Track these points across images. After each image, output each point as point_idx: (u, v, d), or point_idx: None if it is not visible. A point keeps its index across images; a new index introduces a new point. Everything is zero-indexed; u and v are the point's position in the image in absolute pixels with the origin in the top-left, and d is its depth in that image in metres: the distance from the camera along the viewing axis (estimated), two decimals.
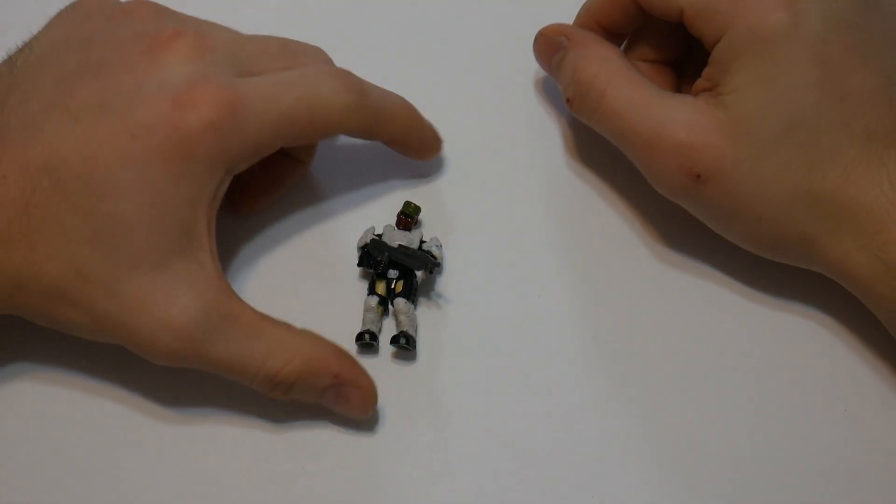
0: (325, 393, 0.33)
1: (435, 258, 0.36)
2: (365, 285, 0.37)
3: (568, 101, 0.36)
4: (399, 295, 0.36)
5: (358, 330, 0.35)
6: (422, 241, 0.37)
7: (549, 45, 0.38)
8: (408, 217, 0.37)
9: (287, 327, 0.33)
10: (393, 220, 0.38)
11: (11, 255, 0.30)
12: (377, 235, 0.37)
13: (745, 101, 0.33)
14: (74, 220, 0.30)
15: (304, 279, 0.37)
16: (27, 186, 0.30)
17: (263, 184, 0.37)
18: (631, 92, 0.34)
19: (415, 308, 0.36)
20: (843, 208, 0.32)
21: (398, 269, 0.36)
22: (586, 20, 0.38)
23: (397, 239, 0.36)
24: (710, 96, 0.34)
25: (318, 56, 0.36)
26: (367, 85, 0.35)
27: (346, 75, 0.35)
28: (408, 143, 0.37)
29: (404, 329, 0.35)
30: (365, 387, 0.33)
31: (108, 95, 0.31)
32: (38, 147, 0.30)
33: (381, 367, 0.35)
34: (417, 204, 0.37)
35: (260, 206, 0.38)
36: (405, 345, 0.35)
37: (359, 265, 0.36)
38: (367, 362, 0.34)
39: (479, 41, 0.43)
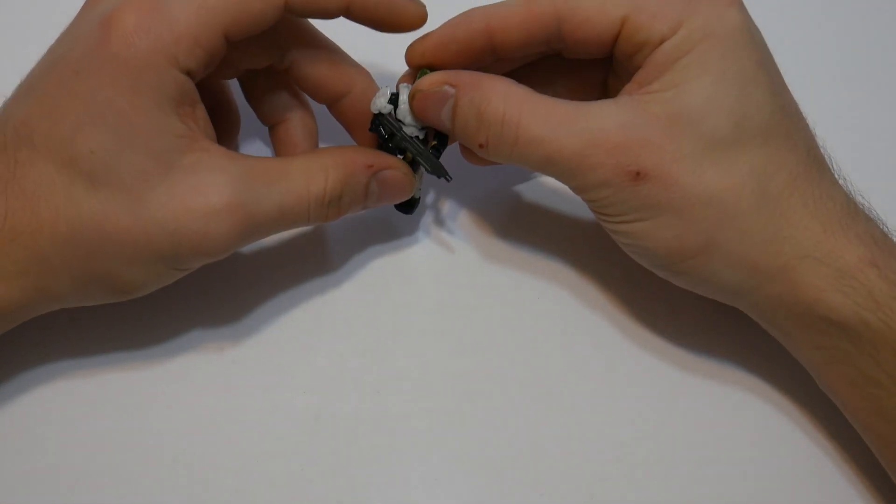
0: (369, 191, 0.35)
1: (444, 170, 0.36)
2: None
3: (481, 146, 0.34)
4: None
5: None
6: (437, 135, 0.36)
7: (433, 100, 0.34)
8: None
9: (306, 155, 0.35)
10: None
11: (19, 231, 0.30)
12: (394, 95, 0.35)
13: (688, 95, 0.31)
14: (63, 174, 0.31)
15: None
16: (9, 162, 0.31)
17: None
18: (547, 114, 0.32)
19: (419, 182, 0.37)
20: (786, 215, 0.32)
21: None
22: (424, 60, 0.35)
23: (411, 122, 0.35)
24: (639, 95, 0.32)
25: None
26: None
27: None
28: (370, 10, 0.34)
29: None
30: (398, 165, 0.35)
31: (56, 57, 0.32)
32: (7, 126, 0.31)
33: None
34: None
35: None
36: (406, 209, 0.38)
37: (370, 130, 0.36)
38: None
39: None
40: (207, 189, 0.31)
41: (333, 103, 0.37)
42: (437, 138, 0.36)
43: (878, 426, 0.32)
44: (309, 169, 0.33)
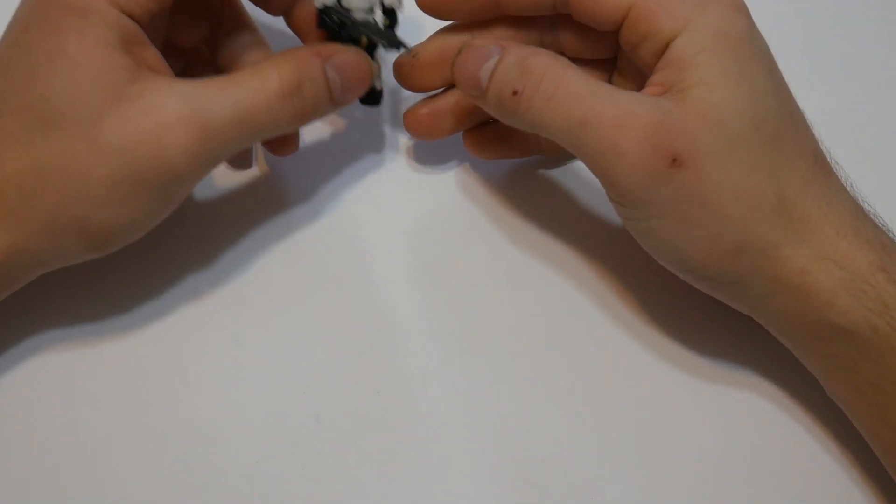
0: (329, 80, 0.34)
1: (402, 41, 0.35)
2: None
3: (514, 93, 0.32)
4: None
5: None
6: (385, 12, 0.36)
7: (478, 55, 0.33)
8: None
9: (255, 63, 0.35)
10: None
11: None
12: None
13: (714, 92, 0.31)
14: (20, 124, 0.31)
15: None
16: None
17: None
18: (588, 81, 0.32)
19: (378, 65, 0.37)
20: (802, 218, 0.32)
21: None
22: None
23: (358, 5, 0.35)
24: (668, 93, 0.32)
25: None
26: None
27: None
28: None
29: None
30: (349, 49, 0.35)
31: (7, 27, 0.33)
32: None
33: None
34: None
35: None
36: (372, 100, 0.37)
37: (318, 27, 0.36)
38: None
39: None
40: (156, 108, 0.31)
41: (288, 13, 0.37)
42: (386, 14, 0.36)
43: (883, 434, 0.33)
44: (259, 70, 0.33)
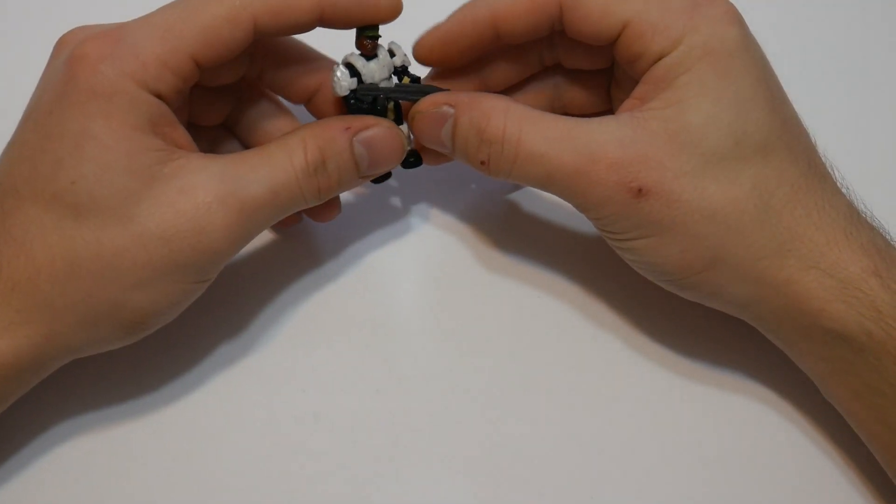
0: (356, 155, 0.34)
1: (436, 87, 0.35)
2: None
3: (482, 164, 0.34)
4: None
5: None
6: (395, 63, 0.35)
7: (432, 120, 0.34)
8: (373, 38, 0.34)
9: (283, 136, 0.34)
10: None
11: (17, 279, 0.30)
12: (347, 65, 0.35)
13: (687, 113, 0.31)
14: (50, 212, 0.30)
15: None
16: None
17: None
18: (546, 130, 0.32)
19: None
20: (790, 228, 0.32)
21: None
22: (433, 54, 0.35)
23: (376, 73, 0.35)
24: (641, 111, 0.32)
25: None
26: None
27: None
28: (342, 14, 0.33)
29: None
30: (377, 122, 0.34)
31: (30, 107, 0.32)
32: None
33: None
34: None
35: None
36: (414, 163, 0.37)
37: (350, 112, 0.35)
38: None
39: None
40: (193, 188, 0.31)
41: (309, 101, 0.37)
42: (404, 74, 0.36)
43: (883, 435, 0.32)
44: (287, 145, 0.33)
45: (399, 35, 0.35)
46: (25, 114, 0.32)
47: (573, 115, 0.38)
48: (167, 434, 0.36)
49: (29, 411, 0.34)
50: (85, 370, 0.35)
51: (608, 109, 0.38)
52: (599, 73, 0.37)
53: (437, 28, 0.35)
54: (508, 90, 0.38)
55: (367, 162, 0.34)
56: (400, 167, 0.36)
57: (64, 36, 0.33)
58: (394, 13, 0.33)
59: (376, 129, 0.34)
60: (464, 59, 0.36)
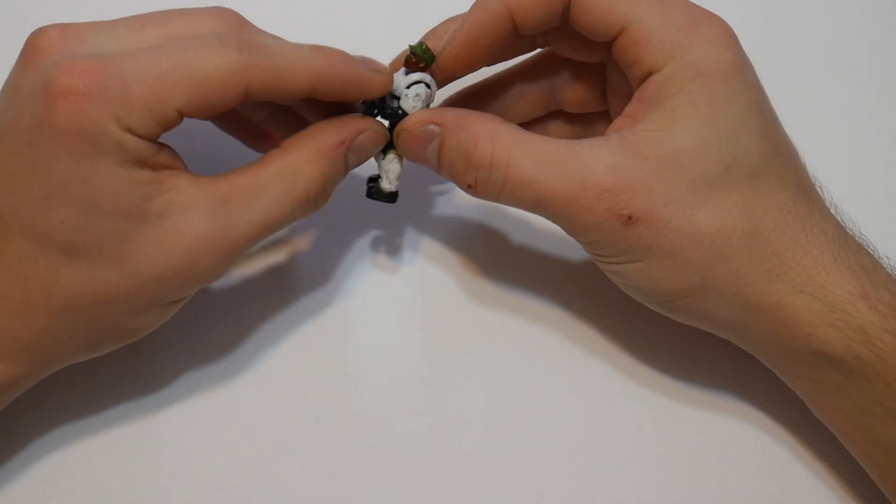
0: (348, 164, 0.34)
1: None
2: None
3: (469, 186, 0.33)
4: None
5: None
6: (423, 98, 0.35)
7: (419, 139, 0.34)
8: (418, 58, 0.34)
9: (277, 157, 0.33)
10: None
11: (14, 310, 0.30)
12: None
13: (678, 138, 0.31)
14: (39, 248, 0.30)
15: None
16: None
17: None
18: (536, 155, 0.32)
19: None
20: (777, 253, 0.32)
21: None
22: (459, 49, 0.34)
23: (410, 99, 0.34)
24: (631, 133, 0.32)
25: (215, 19, 0.33)
26: (259, 42, 0.31)
27: (231, 35, 0.31)
28: (336, 90, 0.33)
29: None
30: (368, 125, 0.34)
31: (4, 126, 0.30)
32: None
33: None
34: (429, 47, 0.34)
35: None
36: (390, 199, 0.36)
37: (386, 119, 0.35)
38: None
39: None
40: (182, 229, 0.31)
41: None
42: (423, 84, 0.35)
43: (875, 455, 0.32)
44: (283, 174, 0.32)
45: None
46: (0, 129, 0.30)
47: (568, 112, 0.39)
48: (167, 434, 0.36)
49: (27, 413, 0.35)
50: (84, 371, 0.35)
51: (603, 109, 0.38)
52: (594, 73, 0.37)
53: (457, 34, 0.34)
54: (501, 87, 0.38)
55: (355, 163, 0.35)
56: (380, 200, 0.36)
57: (34, 37, 0.31)
58: (384, 91, 0.34)
59: (366, 135, 0.34)
60: (488, 59, 0.35)
